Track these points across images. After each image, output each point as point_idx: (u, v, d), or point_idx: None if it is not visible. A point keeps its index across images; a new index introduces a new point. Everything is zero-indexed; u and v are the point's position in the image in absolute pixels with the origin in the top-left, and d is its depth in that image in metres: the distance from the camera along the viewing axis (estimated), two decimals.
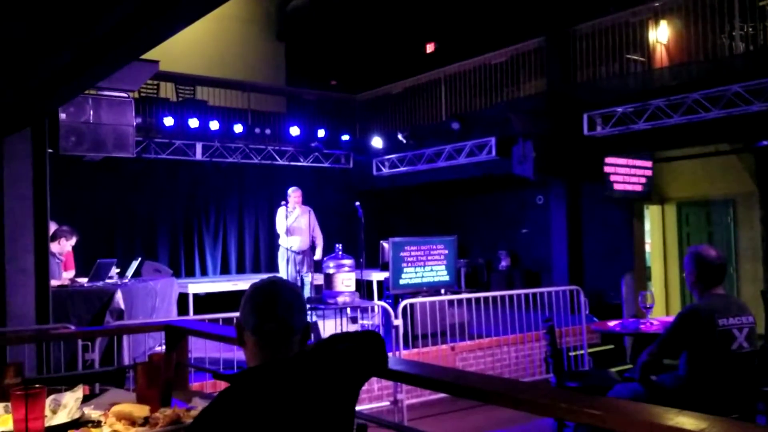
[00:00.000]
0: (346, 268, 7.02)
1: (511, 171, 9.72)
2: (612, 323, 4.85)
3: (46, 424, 1.95)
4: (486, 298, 7.60)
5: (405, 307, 6.72)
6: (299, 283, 7.87)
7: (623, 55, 9.30)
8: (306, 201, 8.86)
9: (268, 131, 11.45)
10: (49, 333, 5.02)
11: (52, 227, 6.09)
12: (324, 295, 7.07)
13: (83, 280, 6.51)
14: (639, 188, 9.72)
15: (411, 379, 2.04)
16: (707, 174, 9.98)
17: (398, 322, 6.50)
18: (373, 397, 6.31)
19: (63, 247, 6.55)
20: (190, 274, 11.46)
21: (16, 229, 5.30)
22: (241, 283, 9.67)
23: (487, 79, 11.14)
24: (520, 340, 7.50)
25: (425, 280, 7.94)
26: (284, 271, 8.65)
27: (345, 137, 12.39)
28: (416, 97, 12.33)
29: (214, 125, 10.73)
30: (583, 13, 9.85)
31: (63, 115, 6.38)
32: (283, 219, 8.66)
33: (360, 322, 7.69)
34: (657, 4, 9.03)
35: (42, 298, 5.38)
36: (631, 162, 9.60)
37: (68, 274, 6.88)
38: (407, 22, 13.98)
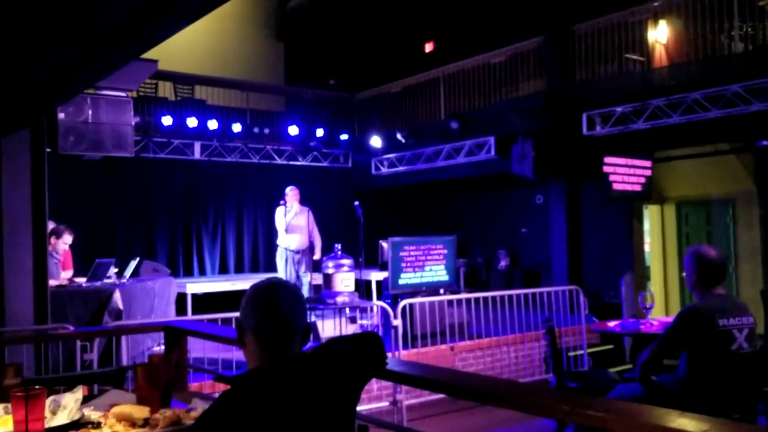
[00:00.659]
0: (345, 268, 7.02)
1: (511, 170, 9.73)
2: (612, 323, 4.85)
3: (46, 426, 1.95)
4: (485, 298, 7.59)
5: (404, 307, 6.70)
6: (298, 283, 7.87)
7: (622, 55, 9.29)
8: (305, 200, 8.85)
9: (266, 130, 11.43)
10: (47, 333, 5.01)
11: (50, 226, 6.07)
12: (323, 295, 7.07)
13: (81, 280, 6.49)
14: (638, 188, 9.71)
15: (411, 380, 2.04)
16: (707, 174, 9.98)
17: (397, 322, 6.49)
18: (373, 398, 6.29)
19: (56, 245, 6.53)
20: (189, 273, 11.45)
21: (14, 229, 5.28)
22: (240, 283, 9.66)
23: (486, 79, 11.13)
24: (519, 340, 7.50)
25: (424, 279, 7.93)
26: (283, 270, 8.64)
27: (344, 136, 12.37)
28: (415, 96, 12.32)
29: (212, 124, 10.71)
30: (583, 12, 9.84)
31: (62, 115, 6.35)
32: (282, 217, 8.66)
33: (359, 322, 7.68)
34: (656, 3, 9.02)
35: (40, 298, 5.36)
36: (630, 161, 9.58)
37: (66, 274, 6.86)
38: (406, 22, 13.96)
